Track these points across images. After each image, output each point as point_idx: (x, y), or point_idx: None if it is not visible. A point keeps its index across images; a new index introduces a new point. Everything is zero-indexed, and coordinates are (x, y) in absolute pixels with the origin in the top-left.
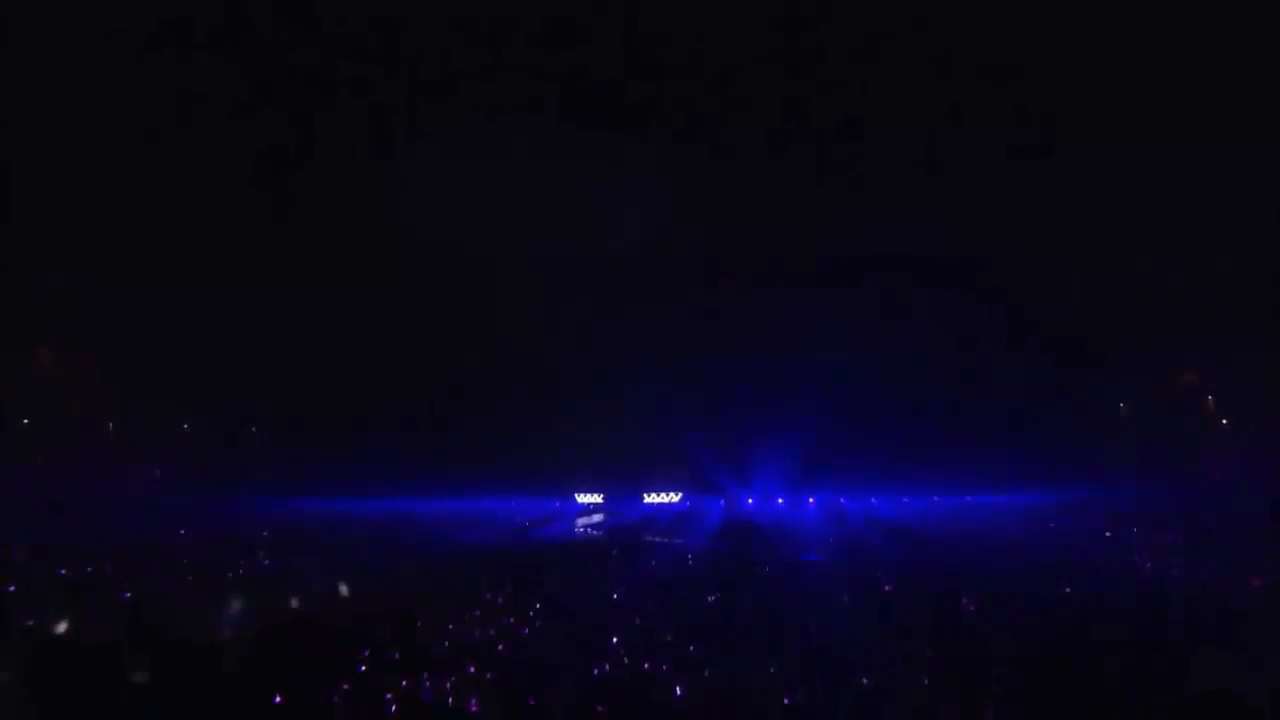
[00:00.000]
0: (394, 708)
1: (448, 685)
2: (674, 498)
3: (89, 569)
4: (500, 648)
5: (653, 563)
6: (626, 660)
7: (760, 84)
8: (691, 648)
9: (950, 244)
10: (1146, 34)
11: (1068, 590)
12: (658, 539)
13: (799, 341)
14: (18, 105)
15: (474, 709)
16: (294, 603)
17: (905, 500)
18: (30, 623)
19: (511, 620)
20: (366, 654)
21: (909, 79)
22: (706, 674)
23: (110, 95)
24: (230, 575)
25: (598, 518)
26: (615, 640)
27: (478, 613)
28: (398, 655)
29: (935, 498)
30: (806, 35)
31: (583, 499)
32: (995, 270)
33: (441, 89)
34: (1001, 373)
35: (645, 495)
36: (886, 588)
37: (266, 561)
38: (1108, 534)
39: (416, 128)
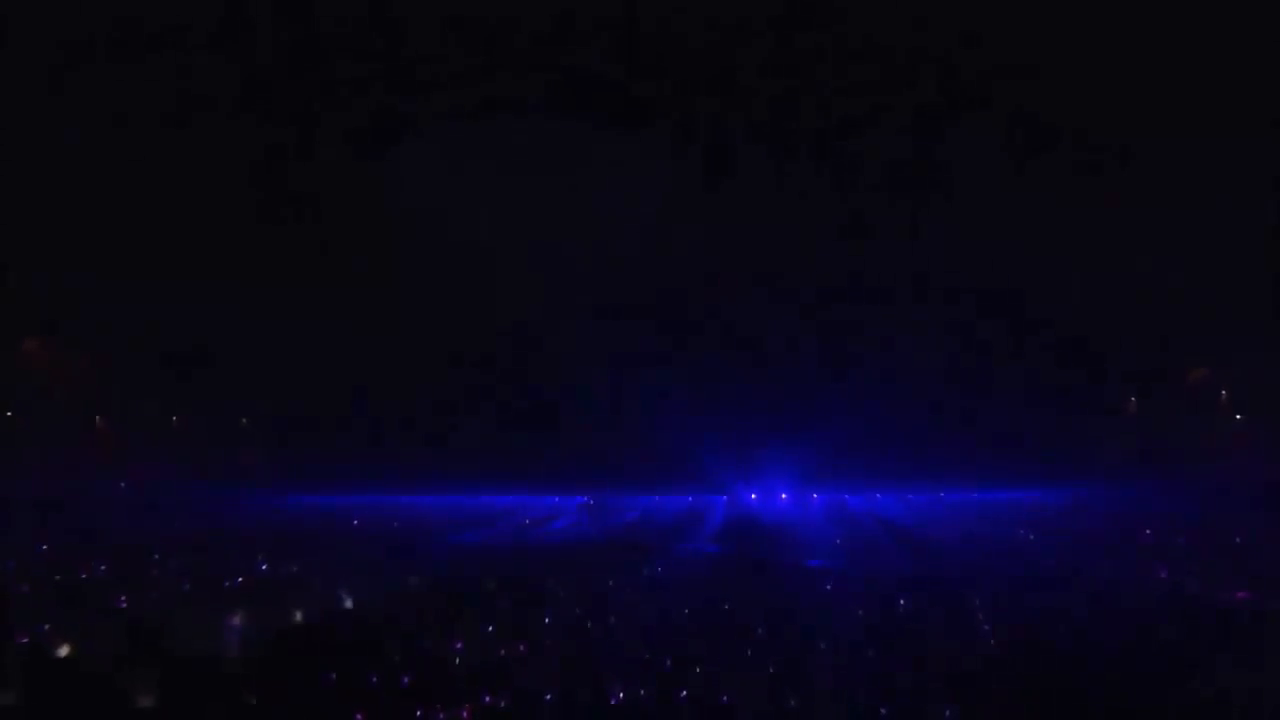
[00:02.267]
0: None
1: (464, 715)
2: (675, 495)
3: (82, 575)
4: (509, 671)
5: (658, 569)
6: (640, 691)
7: (764, 83)
8: (700, 671)
9: (953, 242)
10: (1153, 30)
11: (1083, 603)
12: (659, 540)
13: (801, 337)
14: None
15: None
16: (296, 616)
17: (910, 498)
18: (25, 640)
19: (521, 647)
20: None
21: (912, 78)
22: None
23: (100, 90)
24: (226, 584)
25: (597, 515)
26: (620, 662)
27: (489, 628)
28: (407, 680)
29: (941, 494)
30: (807, 36)
31: (581, 496)
32: (1000, 265)
33: (439, 86)
34: (1009, 367)
35: (645, 492)
36: (900, 601)
37: (264, 566)
38: (1117, 535)
39: (411, 125)
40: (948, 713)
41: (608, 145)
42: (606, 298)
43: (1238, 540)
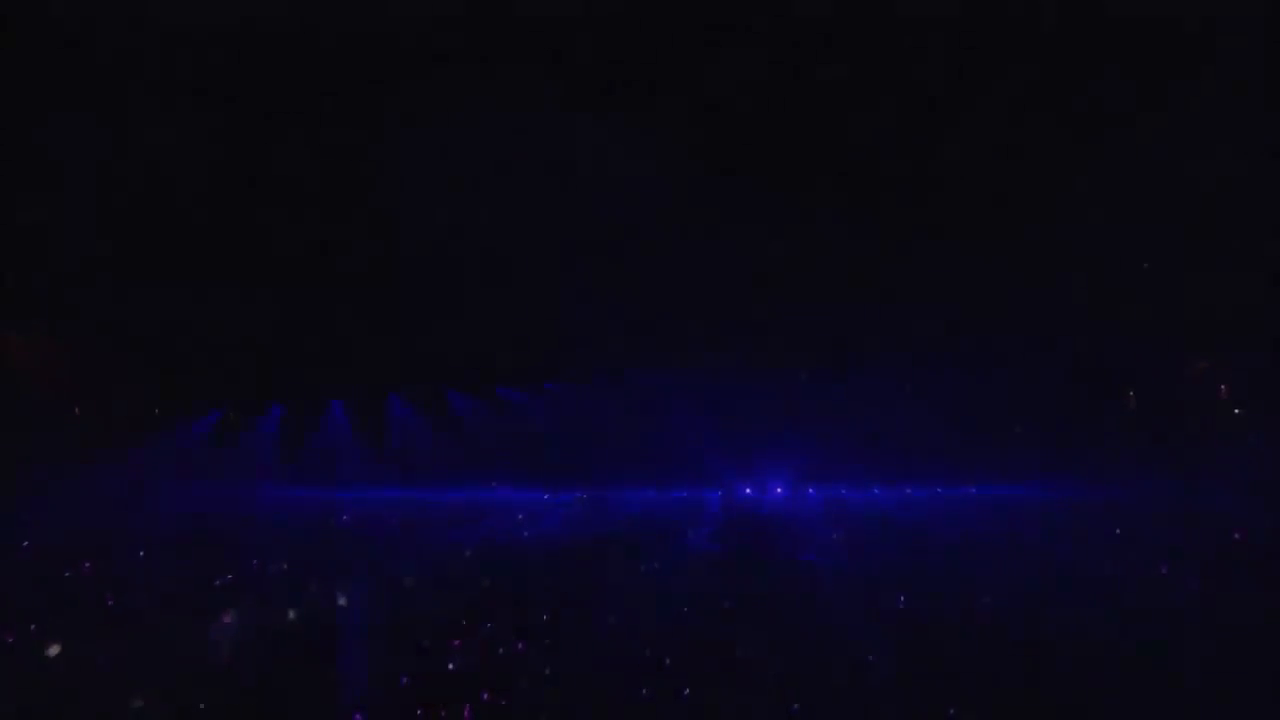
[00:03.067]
0: None
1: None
2: (671, 490)
3: (67, 573)
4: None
5: (655, 565)
6: (641, 691)
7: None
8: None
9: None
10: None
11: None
12: (656, 537)
13: (799, 331)
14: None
15: None
16: (290, 615)
17: (909, 491)
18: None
19: (520, 646)
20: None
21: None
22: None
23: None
24: (217, 582)
25: (593, 511)
26: (619, 661)
27: (489, 625)
28: (407, 680)
29: (939, 490)
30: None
31: (573, 492)
32: (1001, 256)
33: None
34: (1013, 359)
35: (641, 487)
36: (900, 598)
37: (255, 563)
38: (1118, 534)
39: (403, 115)
40: (951, 711)
41: (608, 137)
42: (604, 293)
43: (1237, 538)
